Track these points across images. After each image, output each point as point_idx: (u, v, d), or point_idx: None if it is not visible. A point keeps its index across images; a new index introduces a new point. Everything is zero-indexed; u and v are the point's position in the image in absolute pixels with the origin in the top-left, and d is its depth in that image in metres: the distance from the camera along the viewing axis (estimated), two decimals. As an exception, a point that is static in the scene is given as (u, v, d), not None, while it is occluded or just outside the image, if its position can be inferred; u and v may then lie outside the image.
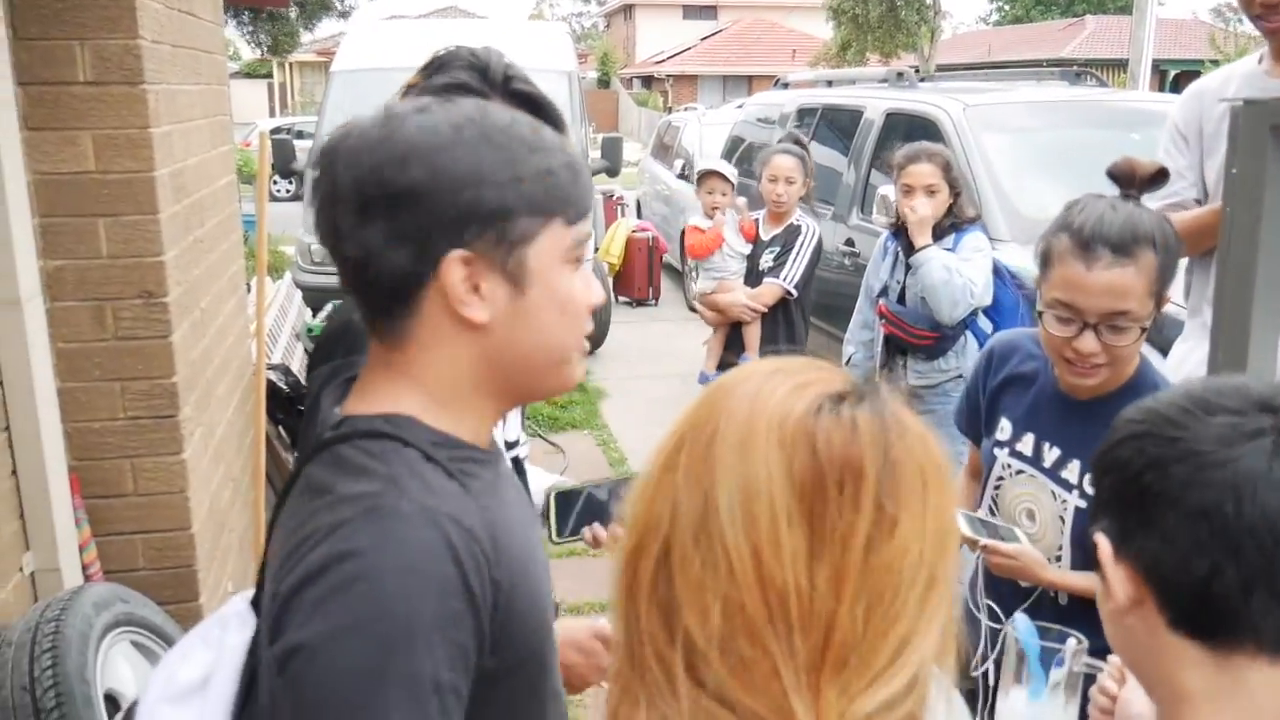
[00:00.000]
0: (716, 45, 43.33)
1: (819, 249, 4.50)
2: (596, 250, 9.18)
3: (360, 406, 1.05)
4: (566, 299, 1.04)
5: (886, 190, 4.17)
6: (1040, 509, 1.95)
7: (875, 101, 6.50)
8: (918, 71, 8.31)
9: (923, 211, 3.68)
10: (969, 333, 3.81)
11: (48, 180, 2.46)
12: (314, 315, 6.50)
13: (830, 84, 8.27)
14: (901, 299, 3.89)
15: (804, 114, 7.50)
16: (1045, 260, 1.84)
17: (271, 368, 4.19)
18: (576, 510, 1.74)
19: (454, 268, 0.97)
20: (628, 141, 16.95)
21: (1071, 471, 1.91)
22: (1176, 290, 1.85)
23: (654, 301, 10.62)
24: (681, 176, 11.52)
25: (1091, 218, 1.77)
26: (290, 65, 41.09)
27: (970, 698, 1.82)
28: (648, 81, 46.08)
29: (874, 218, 4.74)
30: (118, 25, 2.46)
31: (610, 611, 0.85)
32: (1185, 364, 2.70)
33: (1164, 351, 2.91)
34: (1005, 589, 1.95)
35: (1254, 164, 1.70)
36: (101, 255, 2.52)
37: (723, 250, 4.64)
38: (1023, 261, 3.85)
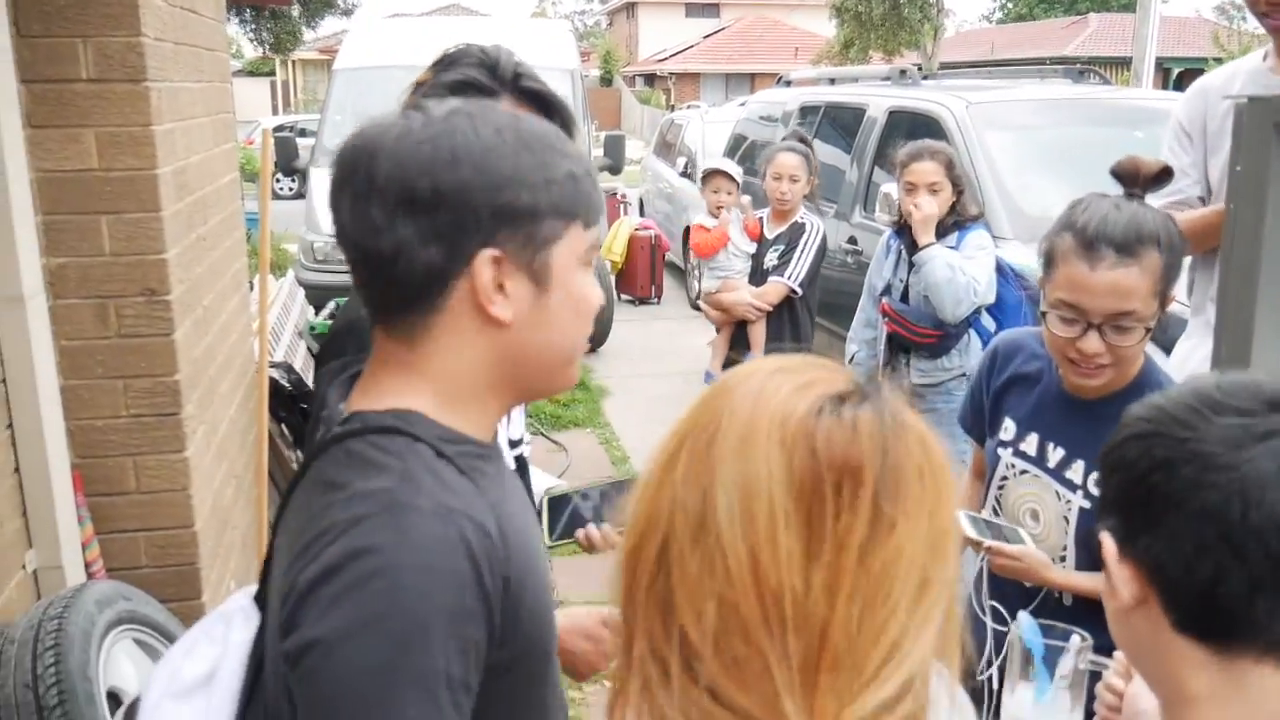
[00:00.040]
0: (719, 43, 43.31)
1: (823, 247, 4.50)
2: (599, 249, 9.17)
3: (367, 402, 1.05)
4: (581, 300, 1.07)
5: (889, 188, 4.17)
6: (1044, 509, 1.94)
7: (878, 99, 6.50)
8: (920, 69, 8.30)
9: (926, 210, 3.68)
10: (972, 331, 3.80)
11: (50, 178, 2.46)
12: (316, 313, 6.50)
13: (833, 82, 8.27)
14: (904, 297, 3.89)
15: (806, 112, 7.50)
16: (1049, 260, 1.83)
17: (274, 365, 4.20)
18: (569, 513, 1.74)
19: (485, 266, 0.99)
20: (630, 139, 16.91)
21: (1076, 472, 1.90)
22: (1179, 288, 1.84)
23: (656, 300, 10.62)
24: (684, 175, 11.51)
25: (1095, 217, 1.76)
26: (293, 63, 41.11)
27: (976, 698, 1.82)
28: (650, 79, 46.07)
29: (877, 216, 4.74)
30: (120, 23, 2.46)
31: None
32: (1189, 362, 2.69)
33: (1167, 350, 2.91)
34: (1009, 590, 1.95)
35: (1258, 161, 1.70)
36: (104, 253, 2.52)
37: (727, 249, 4.63)
38: (1026, 259, 3.85)
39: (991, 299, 3.74)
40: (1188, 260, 2.57)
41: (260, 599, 1.12)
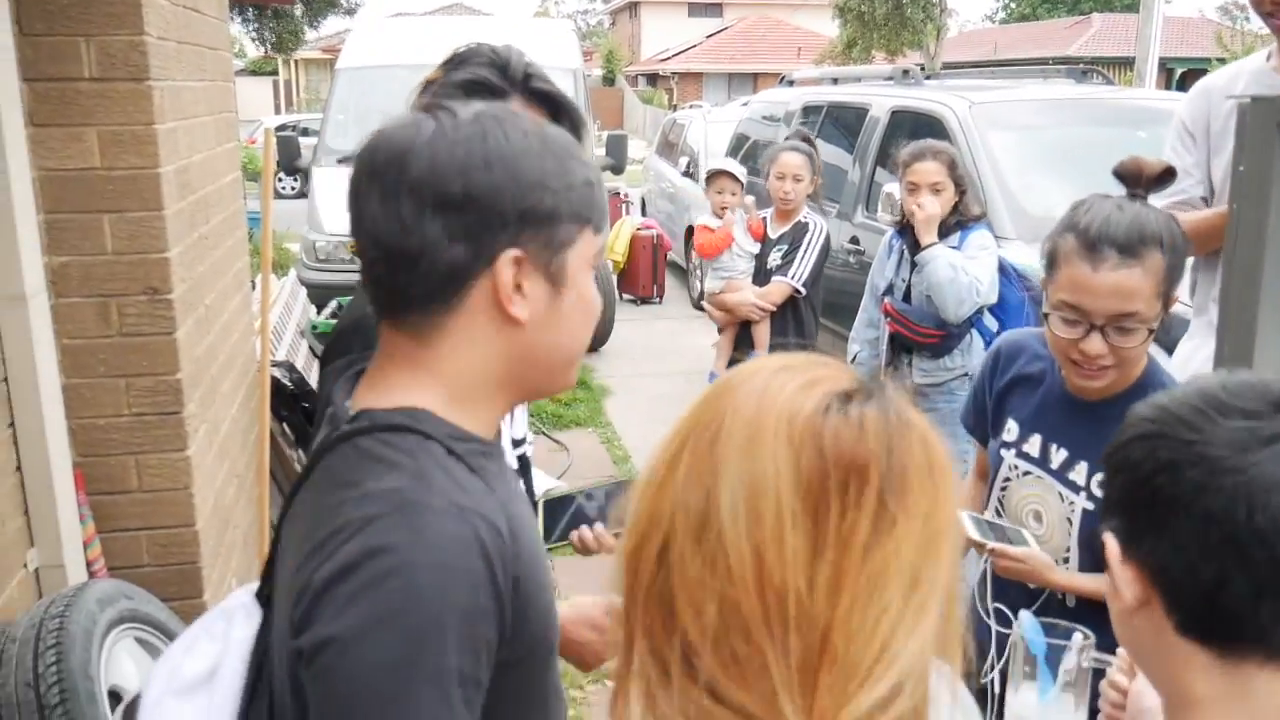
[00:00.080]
0: (722, 43, 43.29)
1: (827, 246, 4.49)
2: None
3: (374, 399, 1.06)
4: (589, 302, 1.11)
5: (892, 188, 4.17)
6: (1047, 510, 1.94)
7: (880, 99, 6.49)
8: (923, 69, 8.30)
9: (929, 209, 3.67)
10: (974, 331, 3.80)
11: (53, 176, 2.46)
12: (318, 312, 6.50)
13: (835, 82, 8.26)
14: (907, 297, 3.88)
15: (809, 112, 7.50)
16: (1051, 261, 1.82)
17: (276, 364, 4.20)
18: (567, 515, 1.75)
19: (508, 266, 1.02)
20: (632, 139, 16.92)
21: (1079, 473, 1.89)
22: (1182, 288, 1.84)
23: (658, 299, 10.63)
24: (686, 174, 11.51)
25: (1098, 218, 1.75)
26: (295, 62, 41.12)
27: (979, 700, 1.82)
28: (653, 79, 46.06)
29: (879, 216, 4.74)
30: (123, 21, 2.46)
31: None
32: (1191, 362, 2.69)
33: (1169, 351, 2.90)
34: (1013, 592, 1.94)
35: (1261, 161, 1.69)
36: (106, 251, 2.52)
37: (731, 249, 4.63)
38: (1028, 259, 3.85)
39: (994, 299, 3.74)
40: (1190, 260, 2.57)
41: (263, 596, 1.12)
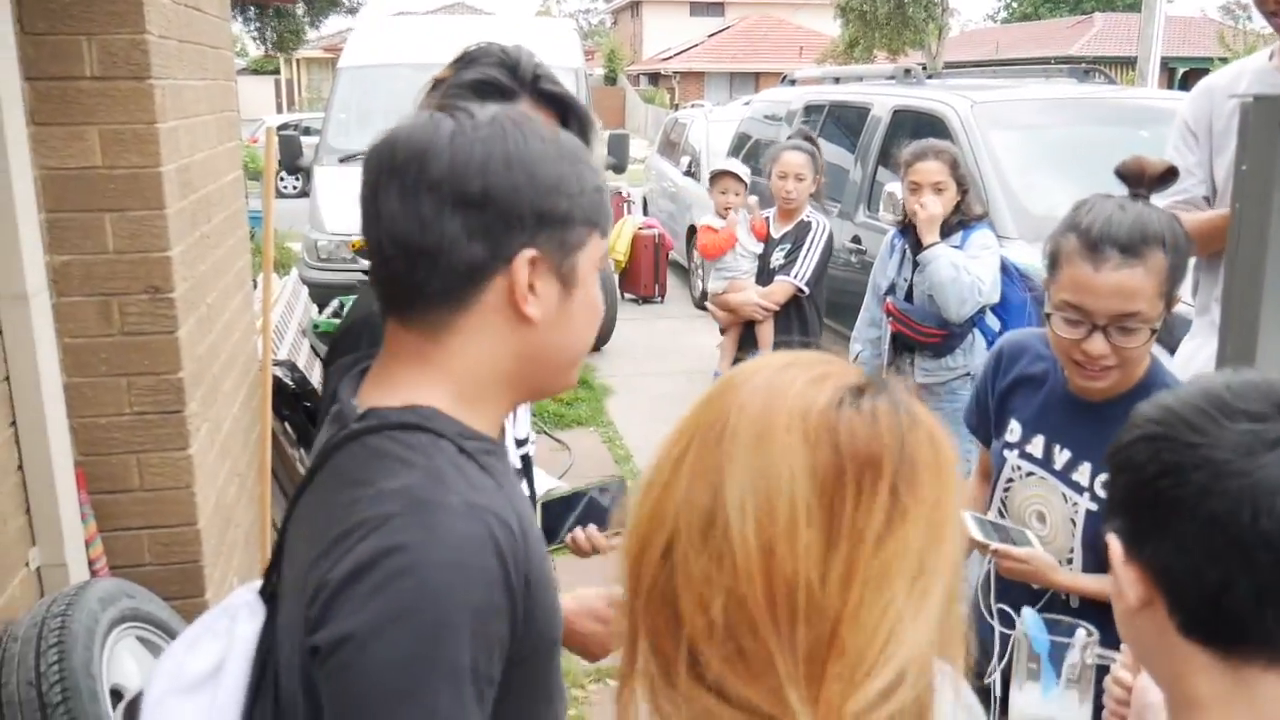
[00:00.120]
0: (723, 42, 43.26)
1: (830, 245, 4.49)
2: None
3: (382, 397, 1.06)
4: (594, 304, 1.13)
5: (894, 188, 4.16)
6: (1051, 511, 1.93)
7: (882, 98, 6.49)
8: (925, 69, 8.29)
9: (931, 209, 3.67)
10: (977, 330, 3.80)
11: (54, 175, 2.46)
12: (320, 311, 6.50)
13: (837, 81, 8.26)
14: (909, 297, 3.88)
15: (811, 111, 7.49)
16: (1053, 261, 1.82)
17: (277, 363, 4.20)
18: (567, 516, 1.75)
19: (524, 266, 1.04)
20: (634, 138, 16.91)
21: (1083, 474, 1.89)
22: (1184, 288, 1.83)
23: (660, 299, 10.63)
24: (688, 174, 11.51)
25: (1100, 218, 1.75)
26: (297, 61, 41.14)
27: (984, 699, 1.81)
28: (654, 78, 46.04)
29: (881, 215, 4.73)
30: (125, 20, 2.46)
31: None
32: (1193, 362, 2.68)
33: (1171, 351, 2.90)
34: (1016, 593, 1.94)
35: (1264, 160, 1.69)
36: (108, 250, 2.52)
37: (735, 249, 4.63)
38: (1030, 259, 3.84)
39: (996, 298, 3.74)
40: (1192, 260, 2.57)
41: (266, 593, 1.12)
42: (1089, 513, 1.88)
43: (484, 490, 1.00)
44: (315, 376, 4.83)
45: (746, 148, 8.56)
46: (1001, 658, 1.86)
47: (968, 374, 3.77)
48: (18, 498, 2.34)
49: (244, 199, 3.89)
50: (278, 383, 4.06)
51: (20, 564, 2.32)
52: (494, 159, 1.02)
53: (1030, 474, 1.96)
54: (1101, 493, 1.84)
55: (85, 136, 2.46)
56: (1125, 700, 1.32)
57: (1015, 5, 44.23)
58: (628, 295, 10.40)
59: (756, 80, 36.58)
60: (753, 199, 4.76)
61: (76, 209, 2.48)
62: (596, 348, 8.15)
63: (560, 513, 1.75)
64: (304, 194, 10.05)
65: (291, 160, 8.35)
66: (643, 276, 10.49)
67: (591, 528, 1.74)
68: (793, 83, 9.14)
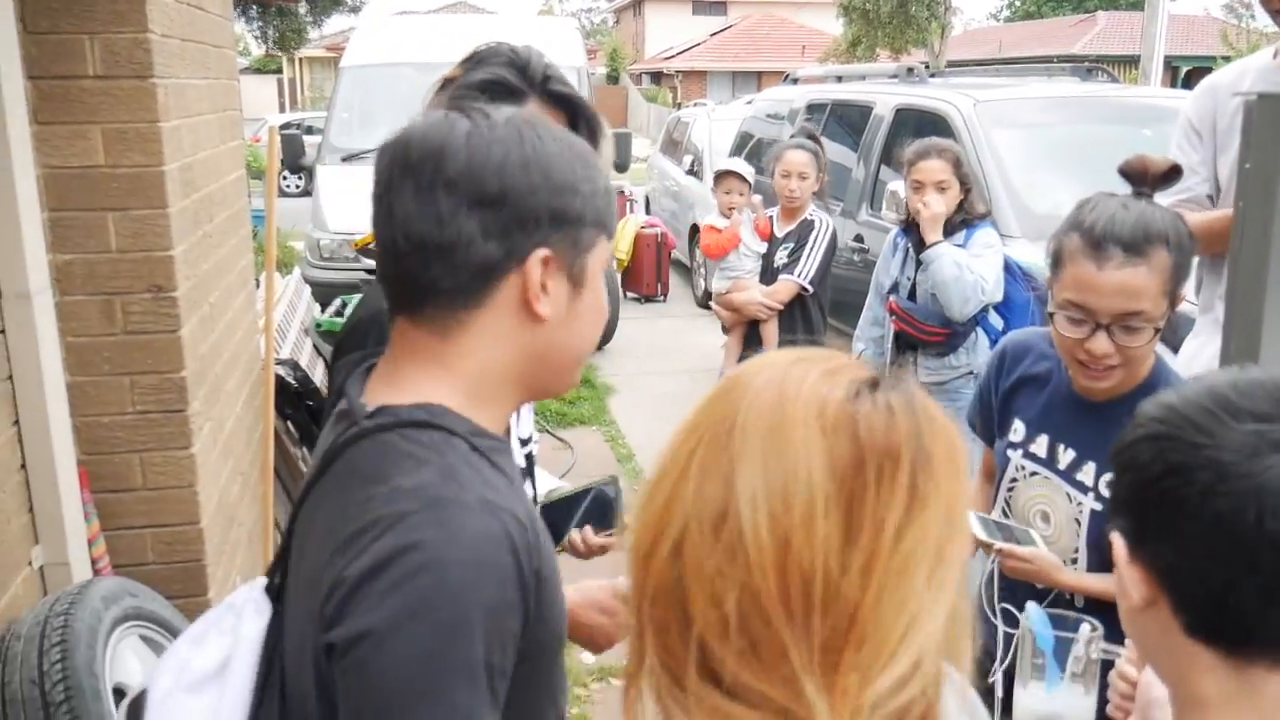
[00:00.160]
0: (726, 41, 43.24)
1: (833, 243, 4.48)
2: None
3: (391, 395, 1.07)
4: (600, 305, 1.14)
5: (896, 186, 4.16)
6: (1055, 511, 1.93)
7: (885, 97, 6.49)
8: (928, 67, 8.29)
9: (934, 208, 3.67)
10: (980, 329, 3.80)
11: (57, 174, 2.46)
12: (323, 310, 6.50)
13: (840, 80, 8.25)
14: (912, 295, 3.88)
15: (813, 110, 7.49)
16: (1056, 260, 1.81)
17: (280, 362, 4.20)
18: (570, 517, 1.74)
19: (537, 265, 1.05)
20: (637, 137, 16.91)
21: (1087, 474, 1.88)
22: (1187, 286, 1.83)
23: (662, 297, 10.63)
24: (690, 173, 11.51)
25: (1103, 217, 1.74)
26: (299, 61, 41.13)
27: (987, 698, 1.81)
28: (657, 77, 46.02)
29: (884, 214, 4.72)
30: (127, 19, 2.46)
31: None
32: (1196, 360, 2.68)
33: (1175, 350, 2.89)
34: (1021, 593, 1.93)
35: (1267, 158, 1.69)
36: (111, 249, 2.52)
37: (738, 249, 4.62)
38: (1033, 258, 3.84)
39: (999, 297, 3.73)
40: (1195, 258, 2.56)
41: (273, 590, 1.12)
42: (1093, 512, 1.87)
43: (498, 488, 1.01)
44: (317, 375, 4.83)
45: (749, 147, 8.55)
46: (1004, 658, 1.86)
47: (970, 373, 3.77)
48: (21, 496, 2.34)
49: (247, 198, 3.89)
50: (280, 382, 4.06)
51: (23, 563, 2.32)
52: (511, 160, 1.03)
53: (1034, 474, 1.96)
54: (1106, 492, 1.84)
55: (88, 135, 2.46)
56: (1130, 695, 1.32)
57: (1018, 4, 44.19)
58: (630, 294, 10.40)
59: (759, 79, 36.56)
60: (757, 198, 4.75)
61: (79, 208, 2.49)
62: (599, 347, 8.14)
63: (564, 512, 1.75)
64: (306, 193, 10.06)
65: (294, 159, 8.36)
66: (645, 275, 10.49)
67: (588, 529, 1.74)
68: (795, 81, 9.14)
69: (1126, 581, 0.92)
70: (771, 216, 4.61)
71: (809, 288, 4.41)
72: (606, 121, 1.63)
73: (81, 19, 2.42)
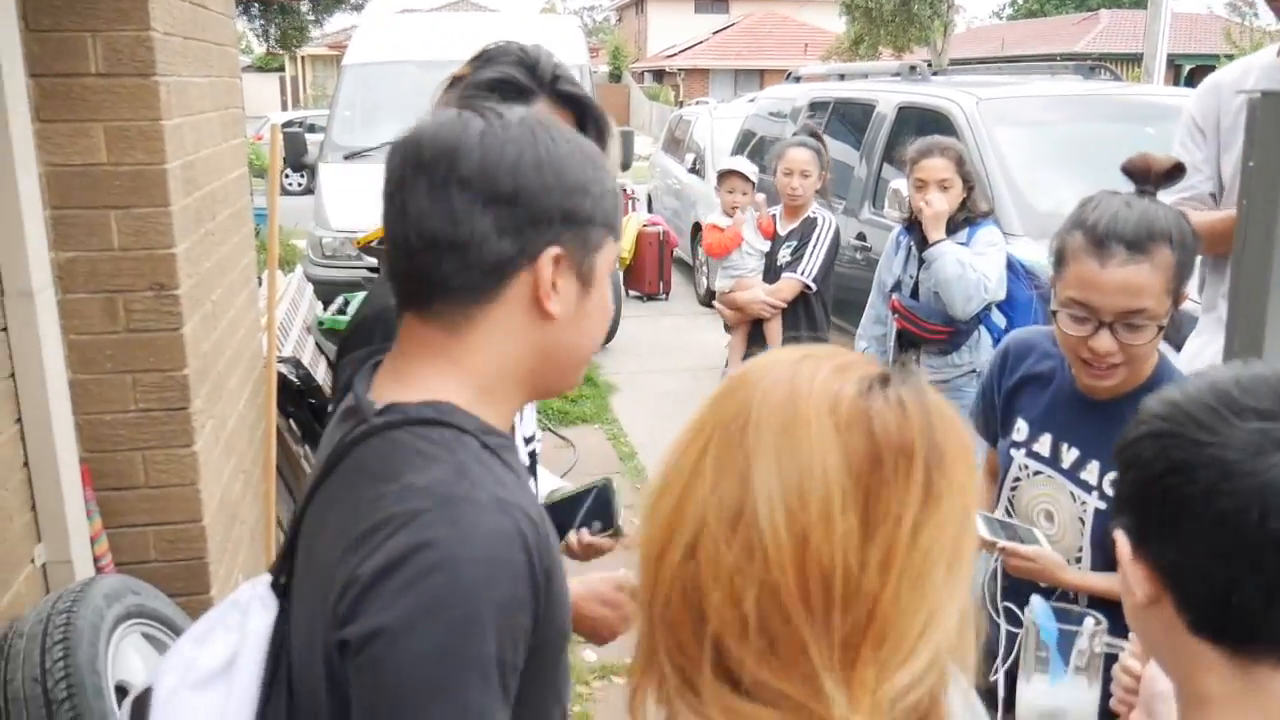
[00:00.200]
0: (728, 39, 43.21)
1: (836, 241, 4.48)
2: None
3: (399, 392, 1.08)
4: (606, 305, 1.16)
5: (899, 184, 4.15)
6: (1059, 510, 1.93)
7: (887, 95, 6.48)
8: (930, 65, 8.28)
9: (937, 206, 3.66)
10: (982, 327, 3.79)
11: (59, 172, 2.46)
12: (325, 308, 6.51)
13: (842, 78, 8.25)
14: (914, 294, 3.87)
15: (816, 108, 7.48)
16: (1059, 258, 1.81)
17: (282, 360, 4.20)
18: (574, 518, 1.74)
19: (549, 263, 1.07)
20: (639, 135, 16.92)
21: (1091, 472, 1.88)
22: (1190, 285, 1.83)
23: (664, 296, 10.62)
24: (693, 171, 11.50)
25: (1106, 215, 1.74)
26: (302, 59, 41.13)
27: (989, 698, 1.81)
28: (659, 75, 46.01)
29: (886, 212, 4.71)
30: (130, 17, 2.46)
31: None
32: (1199, 359, 2.67)
33: (1178, 349, 2.89)
34: (1025, 591, 1.93)
35: (1271, 156, 1.69)
36: (113, 247, 2.53)
37: (741, 248, 4.62)
38: (1036, 256, 3.84)
39: (1002, 295, 3.73)
40: (1198, 257, 2.56)
41: (279, 587, 1.12)
42: (1097, 511, 1.87)
43: (509, 485, 1.02)
44: (319, 373, 4.83)
45: (751, 145, 8.55)
46: (1006, 657, 1.85)
47: (973, 371, 3.77)
48: (23, 494, 2.34)
49: (249, 196, 3.89)
50: (282, 379, 4.06)
51: (25, 560, 2.32)
52: (525, 159, 1.05)
53: (1038, 473, 1.96)
54: (1110, 491, 1.83)
55: (90, 133, 2.46)
56: (1133, 689, 1.31)
57: (1021, 2, 44.14)
58: (632, 292, 10.40)
59: (761, 77, 36.54)
60: (760, 196, 4.75)
61: (81, 206, 2.49)
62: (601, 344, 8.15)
63: (568, 512, 1.75)
64: (309, 191, 10.08)
65: (296, 157, 8.37)
66: (647, 273, 10.49)
67: (584, 531, 1.74)
68: (798, 79, 9.14)
69: (1130, 579, 0.91)
70: (774, 215, 4.61)
71: (812, 286, 4.41)
72: (614, 121, 1.63)
73: (84, 17, 2.42)
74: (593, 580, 1.59)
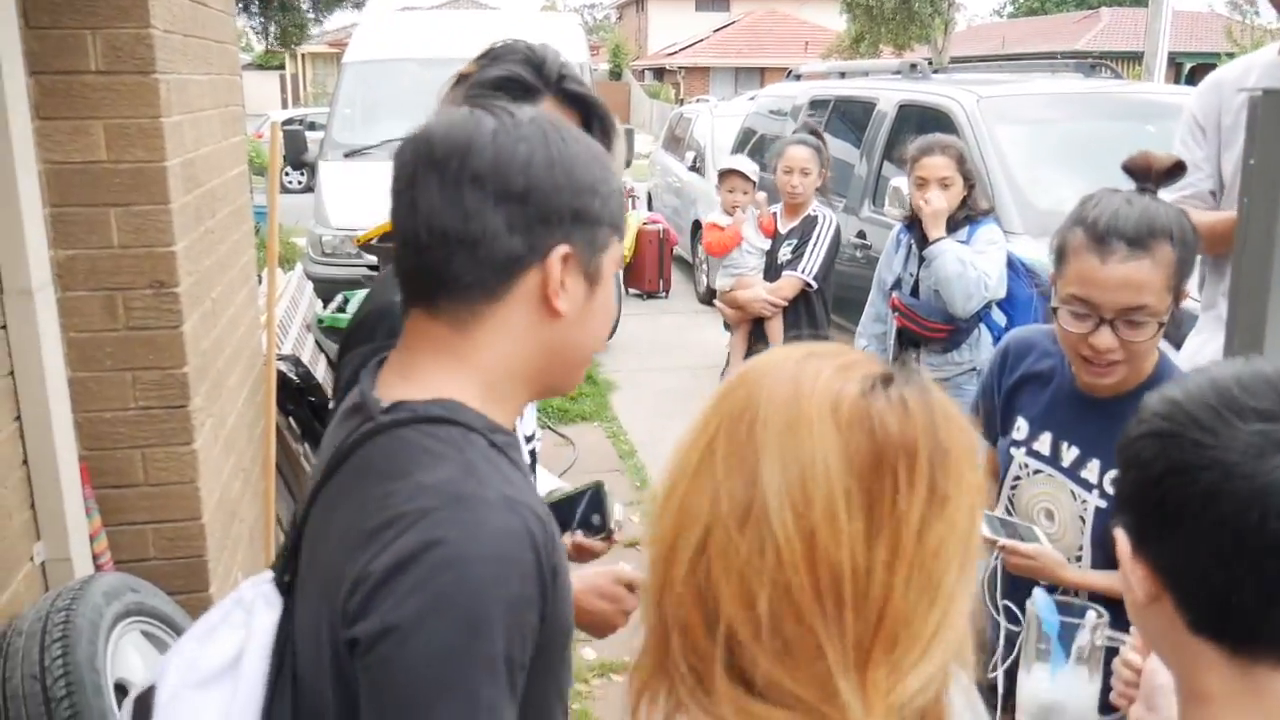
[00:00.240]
0: (729, 37, 43.20)
1: (837, 239, 4.48)
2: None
3: (405, 390, 1.08)
4: (610, 305, 1.17)
5: (899, 182, 4.15)
6: (1059, 509, 1.92)
7: (888, 93, 6.48)
8: (931, 63, 8.27)
9: (937, 204, 3.66)
10: (982, 325, 3.79)
11: (59, 170, 2.46)
12: (324, 306, 6.51)
13: (843, 76, 8.24)
14: (915, 292, 3.87)
15: (816, 106, 7.48)
16: (1060, 255, 1.81)
17: (282, 358, 4.20)
18: (573, 518, 1.74)
19: (558, 261, 1.07)
20: (639, 133, 16.92)
21: (1091, 471, 1.88)
22: (1190, 283, 1.82)
23: (664, 294, 10.62)
24: (693, 169, 11.50)
25: (1106, 211, 1.74)
26: (302, 56, 41.12)
27: (988, 695, 1.81)
28: (659, 73, 46.00)
29: (886, 210, 4.71)
30: (129, 14, 2.45)
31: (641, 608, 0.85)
32: (1199, 357, 2.67)
33: (1178, 347, 2.89)
34: (1025, 590, 1.93)
35: (1272, 154, 1.68)
36: (113, 245, 2.52)
37: (741, 246, 4.62)
38: (1036, 254, 3.83)
39: (1002, 293, 3.73)
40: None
41: (283, 585, 1.12)
42: (1098, 510, 1.87)
43: (516, 484, 1.02)
44: (319, 371, 4.83)
45: (752, 143, 8.54)
46: (1006, 655, 1.85)
47: (973, 369, 3.77)
48: (22, 492, 2.34)
49: (249, 194, 3.89)
50: (282, 378, 4.06)
51: (25, 558, 2.32)
52: (536, 158, 1.05)
53: (1038, 471, 1.95)
54: (1110, 490, 1.83)
55: (90, 131, 2.46)
56: (1134, 682, 1.31)
57: (1021, 0, 44.11)
58: (632, 290, 10.40)
59: (762, 75, 36.54)
60: (761, 195, 4.75)
61: (81, 204, 2.48)
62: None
63: (567, 512, 1.75)
64: (309, 189, 10.08)
65: (296, 155, 8.37)
66: (647, 271, 10.49)
67: (578, 533, 1.74)
68: (798, 78, 9.13)
69: (1131, 578, 0.91)
70: (775, 213, 4.60)
71: (813, 283, 4.41)
72: (619, 121, 1.63)
73: (83, 14, 2.42)
74: (591, 574, 1.60)
